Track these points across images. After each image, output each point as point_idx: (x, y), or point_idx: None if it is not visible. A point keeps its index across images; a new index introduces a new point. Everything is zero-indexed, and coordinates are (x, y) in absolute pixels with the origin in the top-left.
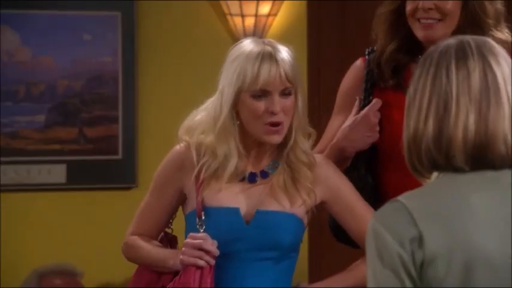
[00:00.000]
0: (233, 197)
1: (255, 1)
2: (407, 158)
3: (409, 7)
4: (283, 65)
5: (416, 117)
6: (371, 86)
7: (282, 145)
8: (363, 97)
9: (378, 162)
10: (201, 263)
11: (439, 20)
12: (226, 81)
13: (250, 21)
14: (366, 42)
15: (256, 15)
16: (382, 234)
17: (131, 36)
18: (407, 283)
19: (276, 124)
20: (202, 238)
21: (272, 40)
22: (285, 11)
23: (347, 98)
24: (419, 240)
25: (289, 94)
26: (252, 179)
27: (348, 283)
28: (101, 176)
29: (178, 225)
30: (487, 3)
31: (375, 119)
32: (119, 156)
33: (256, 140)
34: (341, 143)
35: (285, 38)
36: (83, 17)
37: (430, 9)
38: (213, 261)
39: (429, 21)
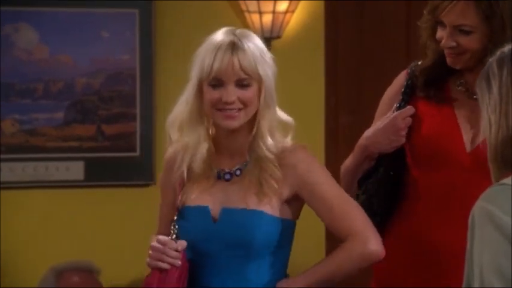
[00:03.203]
0: (206, 195)
1: None
2: (501, 158)
3: (437, 34)
4: (239, 55)
5: None
6: (408, 95)
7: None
8: (398, 105)
9: (403, 168)
10: (163, 265)
11: (463, 53)
12: (193, 71)
13: (267, 19)
14: (384, 41)
15: (273, 12)
16: (498, 215)
17: (149, 34)
18: None
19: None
20: (164, 243)
21: (245, 31)
22: (303, 9)
23: (386, 108)
24: None
25: (247, 85)
26: (227, 177)
27: (320, 276)
28: (119, 173)
29: None
30: None
31: (402, 123)
32: (137, 154)
33: (228, 135)
34: (365, 141)
35: (302, 35)
36: (100, 14)
37: (452, 47)
38: (178, 263)
39: (452, 53)
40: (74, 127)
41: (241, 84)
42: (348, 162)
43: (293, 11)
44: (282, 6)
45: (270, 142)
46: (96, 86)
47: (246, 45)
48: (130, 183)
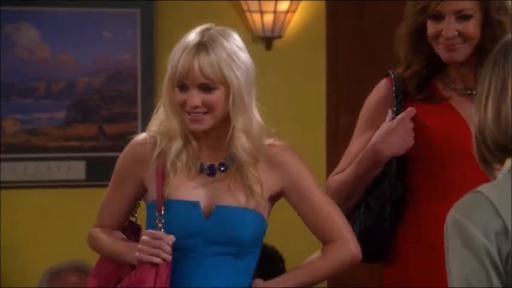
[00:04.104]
0: (193, 190)
1: None
2: (477, 154)
3: (430, 30)
4: (200, 59)
5: (479, 107)
6: (401, 100)
7: None
8: (395, 109)
9: (410, 172)
10: (157, 260)
11: (464, 42)
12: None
13: (269, 18)
14: (384, 40)
15: (275, 12)
16: (466, 225)
17: (150, 33)
18: (493, 274)
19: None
20: (160, 237)
21: (221, 30)
22: (304, 8)
23: (374, 116)
24: (505, 233)
25: (212, 89)
26: (211, 171)
27: (301, 279)
28: None
29: (142, 214)
30: (504, 17)
31: (411, 124)
32: None
33: (202, 133)
34: (378, 145)
35: (303, 35)
36: (102, 13)
37: (453, 36)
38: (169, 258)
39: (453, 43)
40: (75, 127)
41: (205, 87)
42: (346, 175)
43: (294, 11)
44: (283, 6)
45: (246, 144)
46: (97, 85)
47: (210, 48)
48: None
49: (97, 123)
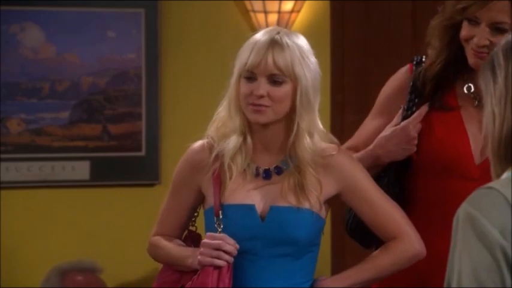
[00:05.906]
0: (248, 193)
1: None
2: (504, 152)
3: (464, 32)
4: (275, 51)
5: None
6: (415, 97)
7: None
8: (406, 107)
9: (411, 173)
10: (219, 262)
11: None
12: (234, 68)
13: (273, 18)
14: (389, 40)
15: (279, 12)
16: (482, 222)
17: (155, 33)
18: (507, 274)
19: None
20: (221, 238)
21: (292, 31)
22: (308, 8)
23: (388, 103)
24: None
25: (281, 82)
26: (266, 175)
27: (365, 275)
28: (125, 173)
29: (201, 223)
30: None
31: (414, 132)
32: (143, 153)
33: (261, 132)
34: (377, 151)
35: (308, 34)
36: (106, 13)
37: (484, 45)
38: (232, 260)
39: (482, 52)
40: (80, 127)
41: (273, 80)
42: None
43: (299, 11)
44: (288, 6)
45: (308, 144)
46: (102, 85)
47: (285, 43)
48: (136, 183)
49: (101, 123)
